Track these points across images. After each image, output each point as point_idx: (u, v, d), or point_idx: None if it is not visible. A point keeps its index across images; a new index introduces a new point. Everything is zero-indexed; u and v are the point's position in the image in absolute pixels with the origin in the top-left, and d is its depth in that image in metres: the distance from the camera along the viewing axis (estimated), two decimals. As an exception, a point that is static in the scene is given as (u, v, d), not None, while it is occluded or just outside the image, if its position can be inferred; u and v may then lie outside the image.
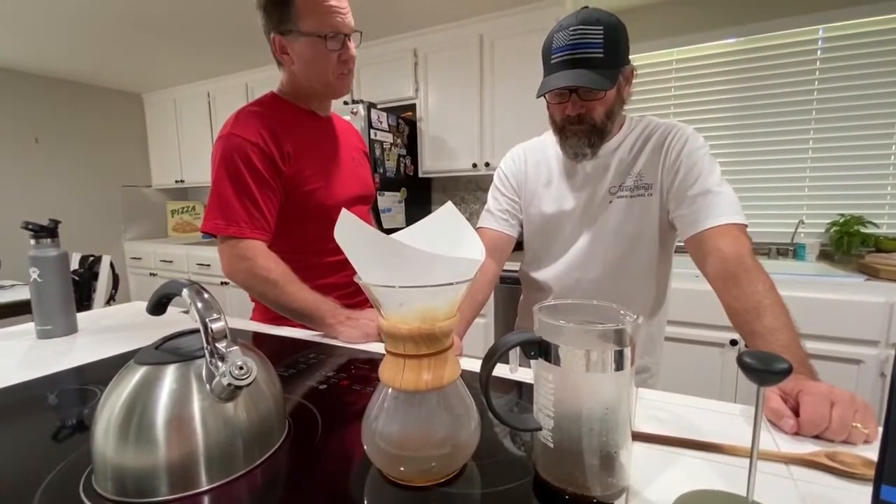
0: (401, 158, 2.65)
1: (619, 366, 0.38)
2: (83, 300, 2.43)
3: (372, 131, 2.39)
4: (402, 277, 0.40)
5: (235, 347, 0.46)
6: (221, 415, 0.44)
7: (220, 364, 0.44)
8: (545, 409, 0.41)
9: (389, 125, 2.53)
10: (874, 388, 1.53)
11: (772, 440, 0.50)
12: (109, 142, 3.69)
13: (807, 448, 0.48)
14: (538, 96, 0.84)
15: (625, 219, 0.90)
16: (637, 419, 0.57)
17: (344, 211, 0.39)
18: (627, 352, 0.38)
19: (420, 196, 2.90)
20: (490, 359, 0.41)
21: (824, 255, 1.98)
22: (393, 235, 0.52)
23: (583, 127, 0.84)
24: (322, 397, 0.63)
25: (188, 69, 3.25)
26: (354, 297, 1.09)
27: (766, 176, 2.12)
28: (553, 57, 0.80)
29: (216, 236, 0.94)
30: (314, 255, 1.04)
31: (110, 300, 2.60)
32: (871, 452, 0.46)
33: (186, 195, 4.22)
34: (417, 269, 0.39)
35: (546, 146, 1.00)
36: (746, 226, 0.78)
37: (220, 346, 0.45)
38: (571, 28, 0.77)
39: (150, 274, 3.60)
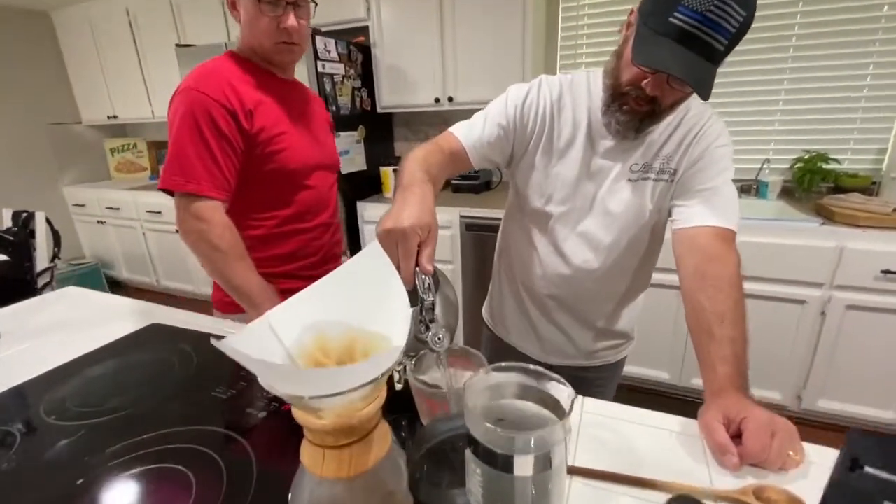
0: (356, 92, 2.42)
1: (548, 466, 0.35)
2: (24, 262, 2.26)
3: (319, 63, 2.13)
4: (309, 388, 0.34)
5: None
6: None
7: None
8: (475, 496, 0.39)
9: (340, 53, 2.26)
10: (813, 326, 1.63)
11: (706, 472, 0.51)
12: (23, 76, 3.21)
13: (738, 479, 0.49)
14: (637, 63, 0.63)
15: (642, 202, 0.81)
16: (580, 438, 0.57)
17: (224, 343, 0.31)
18: (558, 449, 0.35)
19: (380, 134, 2.70)
20: (418, 449, 0.38)
21: (786, 192, 1.99)
22: (311, 288, 0.46)
23: (647, 109, 0.71)
24: (260, 432, 0.60)
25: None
26: (316, 267, 1.08)
27: (737, 109, 2.04)
28: (678, 16, 0.59)
29: (173, 193, 0.89)
30: (271, 220, 1.01)
31: (55, 258, 2.44)
32: (796, 485, 0.48)
33: (125, 132, 3.83)
34: (325, 383, 0.34)
35: (590, 91, 0.80)
36: (736, 233, 0.74)
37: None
38: None
39: (98, 222, 3.37)
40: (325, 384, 0.34)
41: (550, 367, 1.10)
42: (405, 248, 0.53)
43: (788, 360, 1.71)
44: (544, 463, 0.35)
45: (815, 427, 1.77)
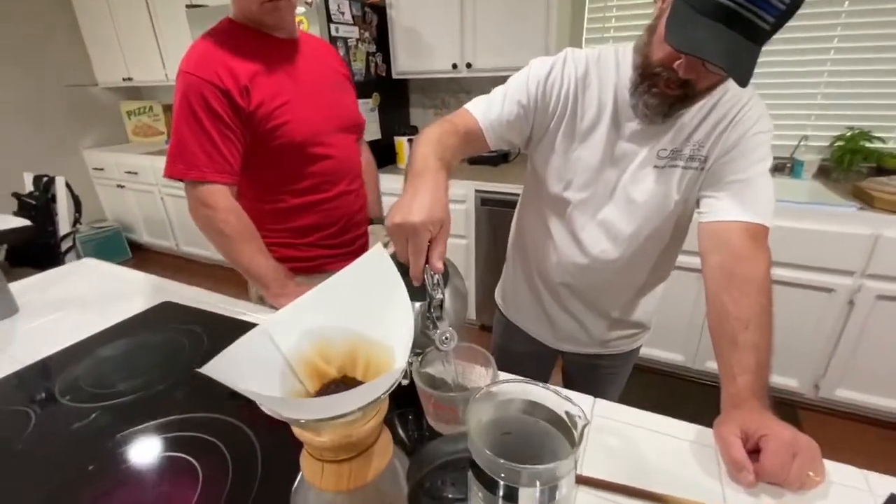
0: (370, 57, 2.32)
1: (553, 497, 0.34)
2: (46, 226, 2.31)
3: (333, 26, 2.04)
4: (303, 413, 0.33)
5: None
6: None
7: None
8: (476, 517, 0.37)
9: (354, 16, 2.16)
10: (839, 315, 1.57)
11: (719, 487, 0.49)
12: (38, 37, 3.17)
13: (752, 496, 0.47)
14: (670, 43, 0.56)
15: (667, 191, 0.75)
16: (589, 444, 0.56)
17: (211, 367, 0.30)
18: (566, 480, 0.33)
19: (395, 101, 2.61)
20: (418, 471, 0.37)
21: (822, 172, 1.87)
22: (312, 293, 0.44)
23: (679, 92, 0.64)
24: (266, 421, 0.59)
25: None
26: (337, 236, 1.07)
27: (775, 81, 1.90)
28: None
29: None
30: (287, 196, 0.99)
31: (76, 223, 2.49)
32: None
33: (140, 94, 3.79)
34: (322, 408, 0.32)
35: (619, 69, 0.74)
36: (769, 230, 0.68)
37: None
38: None
39: (118, 186, 3.41)
40: (320, 410, 0.32)
41: (563, 354, 1.08)
42: (415, 244, 0.51)
43: (809, 347, 1.66)
44: (550, 495, 0.33)
45: (830, 415, 1.74)
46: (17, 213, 2.28)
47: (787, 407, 1.80)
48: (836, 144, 1.83)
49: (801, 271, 1.58)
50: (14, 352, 0.78)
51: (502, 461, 0.32)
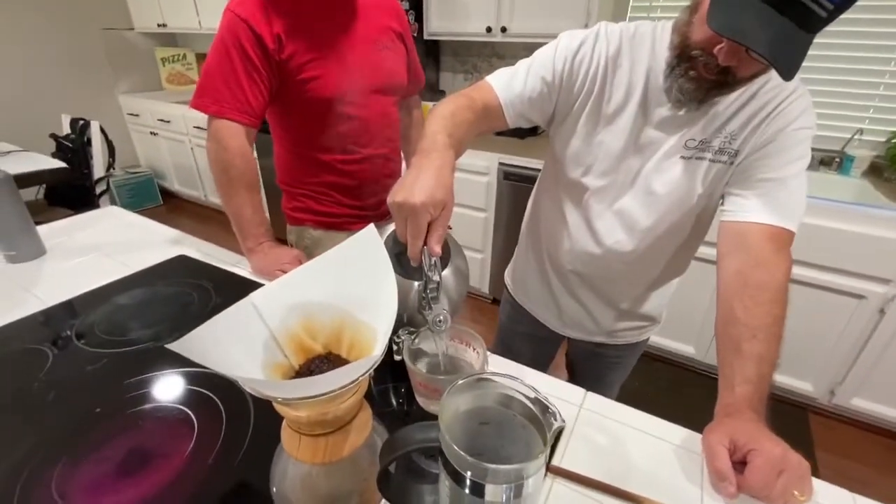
0: (403, 15, 2.24)
1: (519, 494, 0.34)
2: (83, 169, 2.40)
3: (366, -19, 1.97)
4: (278, 392, 0.33)
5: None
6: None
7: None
8: (443, 502, 0.38)
9: (389, -30, 2.07)
10: (868, 322, 1.50)
11: (699, 495, 0.49)
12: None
13: (730, 514, 0.47)
14: (712, 27, 0.51)
15: (691, 185, 0.71)
16: (573, 436, 0.56)
17: (181, 344, 0.30)
18: (534, 479, 0.33)
19: (425, 62, 2.52)
20: (388, 454, 0.37)
21: (873, 171, 1.74)
22: (301, 268, 0.44)
23: (717, 78, 0.60)
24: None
25: None
26: (361, 198, 1.07)
27: (832, 66, 1.74)
28: None
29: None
30: (315, 151, 1.00)
31: (109, 168, 2.57)
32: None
33: (175, 41, 3.80)
34: (296, 389, 0.33)
35: (654, 49, 0.68)
36: (794, 236, 0.64)
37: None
38: None
39: (151, 133, 3.48)
40: (295, 390, 0.33)
41: (568, 340, 1.07)
42: (414, 225, 0.50)
43: (831, 352, 1.60)
44: (517, 491, 0.33)
45: (840, 421, 1.70)
46: (55, 155, 2.36)
47: (799, 409, 1.76)
48: (893, 141, 1.69)
49: (834, 274, 1.50)
50: (39, 292, 0.83)
51: (470, 459, 0.32)
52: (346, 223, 1.08)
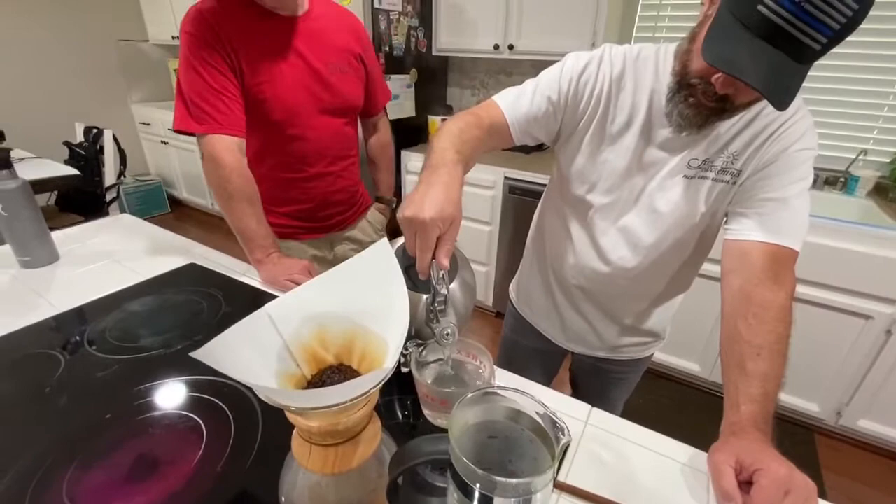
0: (412, 31, 2.29)
1: (527, 507, 0.34)
2: (94, 176, 2.43)
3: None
4: (291, 402, 0.34)
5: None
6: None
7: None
8: (452, 514, 0.39)
9: (399, -12, 2.13)
10: (874, 343, 1.49)
11: (704, 515, 0.49)
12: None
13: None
14: (706, 59, 0.53)
15: (694, 204, 0.72)
16: (579, 452, 0.56)
17: (203, 352, 0.31)
18: (542, 494, 0.34)
19: (433, 78, 2.57)
20: (398, 465, 0.38)
21: (878, 191, 1.75)
22: (315, 280, 0.45)
23: (716, 105, 0.61)
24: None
25: None
26: (311, 213, 1.10)
27: (837, 87, 1.76)
28: (769, 4, 0.48)
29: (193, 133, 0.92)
30: (270, 165, 1.03)
31: (120, 175, 2.61)
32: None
33: (188, 52, 3.88)
34: (309, 399, 0.34)
35: (657, 72, 0.70)
36: (798, 255, 0.65)
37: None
38: None
39: (162, 142, 3.54)
40: (307, 400, 0.33)
41: (572, 356, 1.08)
42: (423, 239, 0.51)
43: (837, 373, 1.59)
44: (523, 505, 0.34)
45: (846, 443, 1.68)
46: (67, 162, 2.40)
47: (805, 430, 1.74)
48: (898, 162, 1.70)
49: (840, 294, 1.49)
50: (52, 297, 0.84)
51: (480, 472, 0.33)
52: (297, 233, 1.12)
